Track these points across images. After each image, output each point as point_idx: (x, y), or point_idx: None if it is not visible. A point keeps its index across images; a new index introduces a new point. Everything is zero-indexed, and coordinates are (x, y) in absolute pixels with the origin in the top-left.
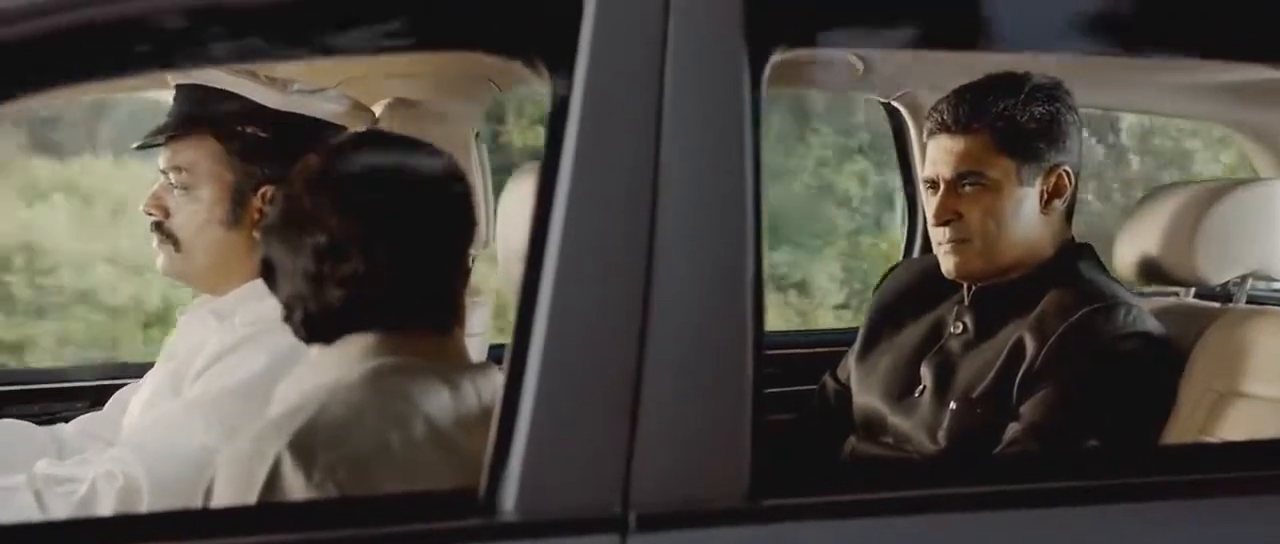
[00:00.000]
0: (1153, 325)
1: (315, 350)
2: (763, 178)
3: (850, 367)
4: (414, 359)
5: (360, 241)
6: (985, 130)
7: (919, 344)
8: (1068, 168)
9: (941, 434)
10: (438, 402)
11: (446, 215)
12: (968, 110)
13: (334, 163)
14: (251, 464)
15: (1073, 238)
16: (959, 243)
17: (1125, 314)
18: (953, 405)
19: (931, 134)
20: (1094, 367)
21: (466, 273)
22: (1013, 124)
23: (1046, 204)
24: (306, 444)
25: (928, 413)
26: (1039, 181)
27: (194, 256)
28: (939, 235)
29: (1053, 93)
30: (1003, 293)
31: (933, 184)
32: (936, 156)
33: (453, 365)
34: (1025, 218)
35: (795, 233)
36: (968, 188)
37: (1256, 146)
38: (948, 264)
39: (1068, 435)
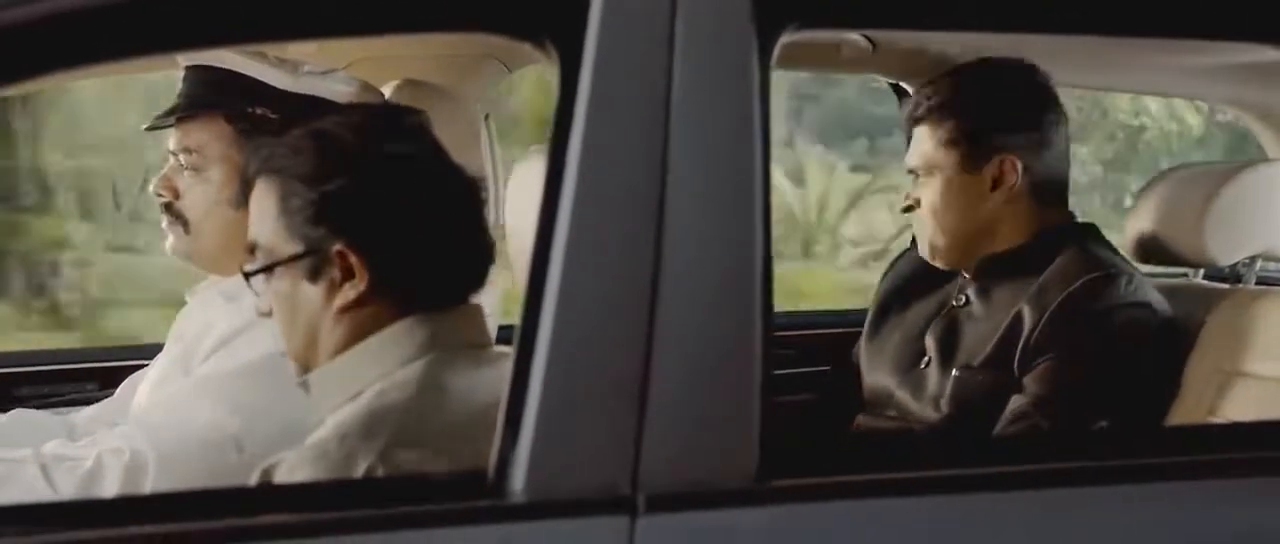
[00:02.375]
0: (1154, 296)
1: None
2: (771, 158)
3: (860, 348)
4: (459, 350)
5: (373, 218)
6: (928, 121)
7: (925, 320)
8: (1014, 157)
9: (944, 402)
10: (490, 392)
11: (445, 174)
12: (915, 102)
13: (325, 140)
14: (344, 472)
15: (1069, 217)
16: (921, 230)
17: (1126, 283)
18: (955, 373)
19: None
20: (1094, 335)
21: (484, 232)
22: (956, 114)
23: (991, 192)
24: (399, 457)
25: (932, 383)
26: (987, 170)
27: (203, 237)
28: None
29: (1008, 77)
30: (1005, 265)
31: (909, 172)
32: (910, 146)
33: (488, 349)
34: (971, 206)
35: None
36: (922, 177)
37: (1266, 128)
38: (919, 247)
39: (1072, 407)
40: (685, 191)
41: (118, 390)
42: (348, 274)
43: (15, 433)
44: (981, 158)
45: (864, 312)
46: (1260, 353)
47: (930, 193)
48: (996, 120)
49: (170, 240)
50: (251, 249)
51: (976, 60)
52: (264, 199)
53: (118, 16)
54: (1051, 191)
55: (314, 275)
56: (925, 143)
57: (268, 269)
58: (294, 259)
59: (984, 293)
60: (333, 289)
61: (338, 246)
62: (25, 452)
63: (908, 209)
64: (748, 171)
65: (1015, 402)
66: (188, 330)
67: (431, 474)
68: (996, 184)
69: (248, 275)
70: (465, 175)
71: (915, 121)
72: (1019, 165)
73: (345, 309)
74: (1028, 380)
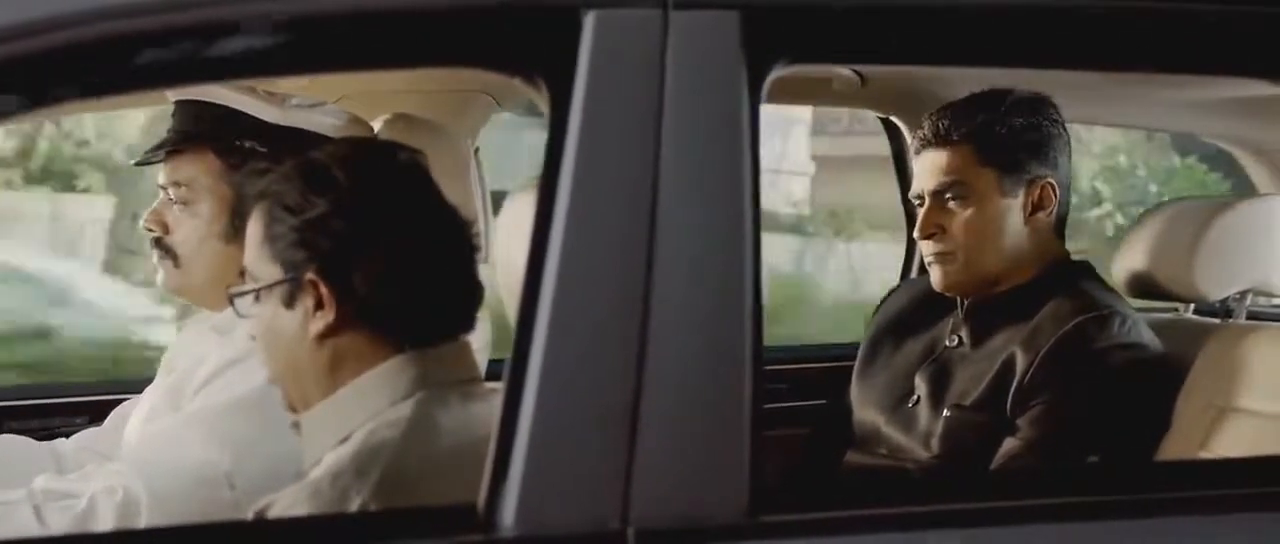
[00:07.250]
0: (1148, 336)
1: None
2: (761, 193)
3: (852, 385)
4: (449, 387)
5: (349, 249)
6: (966, 142)
7: (916, 358)
8: (1052, 181)
9: (934, 441)
10: (481, 428)
11: (433, 209)
12: (948, 124)
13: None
14: (337, 509)
15: (1068, 254)
16: (943, 256)
17: (1120, 324)
18: (946, 413)
19: (918, 150)
20: (1087, 377)
21: (473, 268)
22: (994, 136)
23: (1030, 216)
24: (391, 495)
25: (922, 422)
26: (1022, 193)
27: (193, 272)
28: (926, 249)
29: (1035, 106)
30: (998, 305)
31: (919, 198)
32: (922, 171)
33: (478, 385)
34: (1009, 230)
35: None
36: (951, 200)
37: (1255, 163)
38: (934, 277)
39: (1065, 448)
40: (675, 226)
41: (107, 421)
42: (319, 303)
43: (0, 459)
44: (1018, 180)
45: (857, 346)
46: (1251, 388)
47: (961, 217)
48: (1029, 144)
49: (161, 275)
50: (242, 274)
51: (990, 88)
52: (253, 226)
53: (112, 52)
54: (1063, 223)
55: (289, 302)
56: (952, 164)
57: (249, 293)
58: (271, 285)
59: (977, 334)
60: (307, 317)
61: (309, 275)
62: (19, 493)
63: (929, 235)
64: (738, 206)
65: (1008, 443)
66: (179, 363)
67: (422, 509)
68: (1035, 208)
69: (231, 299)
70: (454, 211)
71: (937, 143)
72: (1058, 189)
73: (321, 338)
74: (1021, 422)
